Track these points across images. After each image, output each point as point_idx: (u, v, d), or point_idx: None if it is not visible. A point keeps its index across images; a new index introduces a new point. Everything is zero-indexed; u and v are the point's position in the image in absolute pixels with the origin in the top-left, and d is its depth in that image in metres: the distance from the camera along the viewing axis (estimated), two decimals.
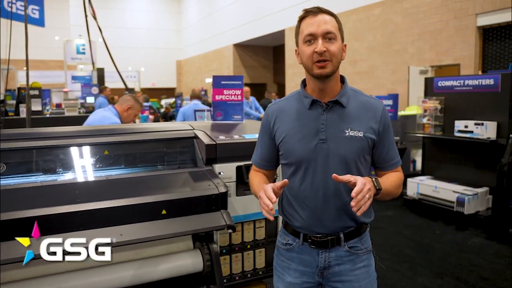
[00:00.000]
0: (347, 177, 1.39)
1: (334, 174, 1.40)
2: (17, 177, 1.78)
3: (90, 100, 10.27)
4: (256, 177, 1.68)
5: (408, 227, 4.97)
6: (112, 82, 15.71)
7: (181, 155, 2.10)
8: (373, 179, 1.45)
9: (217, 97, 2.42)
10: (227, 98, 2.41)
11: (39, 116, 7.25)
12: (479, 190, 5.07)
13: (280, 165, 1.69)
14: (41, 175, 1.82)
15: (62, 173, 1.83)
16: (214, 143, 2.00)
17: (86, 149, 1.93)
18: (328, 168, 1.52)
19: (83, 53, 16.69)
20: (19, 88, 10.11)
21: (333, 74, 1.50)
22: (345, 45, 1.55)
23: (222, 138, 2.06)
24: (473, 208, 4.98)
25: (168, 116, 13.76)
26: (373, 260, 1.68)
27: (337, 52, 1.48)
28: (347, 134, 1.52)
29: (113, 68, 11.54)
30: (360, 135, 1.52)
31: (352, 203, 1.34)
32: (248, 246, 2.17)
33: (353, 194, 1.34)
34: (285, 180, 1.46)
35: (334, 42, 1.48)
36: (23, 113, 8.91)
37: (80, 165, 1.88)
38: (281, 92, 16.45)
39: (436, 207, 5.37)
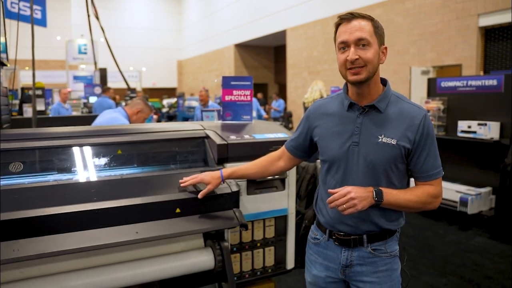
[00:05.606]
0: (337, 190, 1.48)
1: (329, 190, 1.51)
2: (34, 176, 1.81)
3: (92, 100, 10.30)
4: (265, 157, 1.85)
5: (410, 227, 4.99)
6: (114, 82, 15.77)
7: (192, 155, 2.12)
8: (374, 190, 1.48)
9: (227, 98, 2.44)
10: (237, 99, 2.44)
11: (43, 116, 7.27)
12: (482, 190, 5.09)
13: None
14: (56, 174, 1.85)
15: (77, 172, 1.86)
16: (226, 143, 2.03)
17: (100, 149, 1.95)
18: (357, 171, 1.56)
19: (85, 53, 16.76)
20: (22, 88, 10.14)
21: (367, 81, 1.50)
22: (386, 48, 1.54)
23: (233, 138, 2.09)
24: (476, 208, 5.00)
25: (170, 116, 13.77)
26: (399, 265, 1.69)
27: (372, 58, 1.47)
28: (380, 140, 1.52)
29: (114, 68, 11.56)
30: (393, 142, 1.51)
31: (327, 201, 1.48)
32: (258, 244, 2.20)
33: (330, 198, 1.46)
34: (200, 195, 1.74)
35: (367, 48, 1.47)
36: (26, 113, 8.96)
37: (94, 164, 1.91)
38: (282, 93, 16.46)
39: (439, 207, 5.33)
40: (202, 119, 3.16)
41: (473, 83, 5.31)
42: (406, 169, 1.60)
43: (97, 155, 1.94)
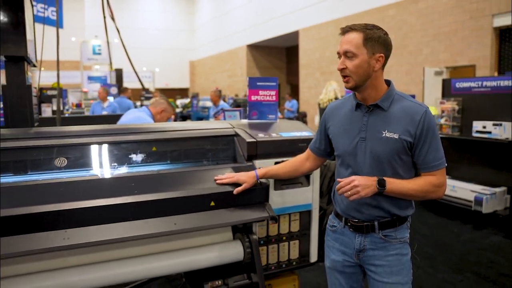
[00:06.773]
0: (344, 179, 1.65)
1: (338, 179, 1.71)
2: (77, 170, 1.93)
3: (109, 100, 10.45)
4: (295, 158, 2.04)
5: (425, 226, 5.05)
6: (128, 82, 15.95)
7: (223, 152, 2.24)
8: (378, 179, 1.64)
9: (253, 98, 2.55)
10: (262, 99, 2.56)
11: (62, 116, 7.44)
12: (497, 189, 5.13)
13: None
14: (97, 169, 1.97)
15: (117, 167, 1.98)
16: (255, 140, 2.14)
17: (137, 146, 2.07)
18: (364, 163, 1.74)
19: (99, 53, 16.97)
20: (40, 88, 10.35)
21: (358, 87, 1.70)
22: (381, 56, 1.68)
23: (261, 136, 2.20)
24: (491, 207, 5.04)
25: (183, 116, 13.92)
26: (409, 251, 1.83)
27: (355, 69, 1.66)
28: (384, 135, 1.69)
29: (128, 68, 11.72)
30: (395, 137, 1.67)
31: (335, 188, 1.68)
32: (284, 238, 2.30)
33: (337, 186, 1.65)
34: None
35: (353, 59, 1.66)
36: (44, 113, 9.15)
37: (132, 160, 2.03)
38: (294, 93, 16.54)
39: (454, 206, 5.44)
40: (224, 118, 3.27)
41: (488, 83, 5.34)
42: (411, 161, 1.73)
43: (134, 151, 2.06)
